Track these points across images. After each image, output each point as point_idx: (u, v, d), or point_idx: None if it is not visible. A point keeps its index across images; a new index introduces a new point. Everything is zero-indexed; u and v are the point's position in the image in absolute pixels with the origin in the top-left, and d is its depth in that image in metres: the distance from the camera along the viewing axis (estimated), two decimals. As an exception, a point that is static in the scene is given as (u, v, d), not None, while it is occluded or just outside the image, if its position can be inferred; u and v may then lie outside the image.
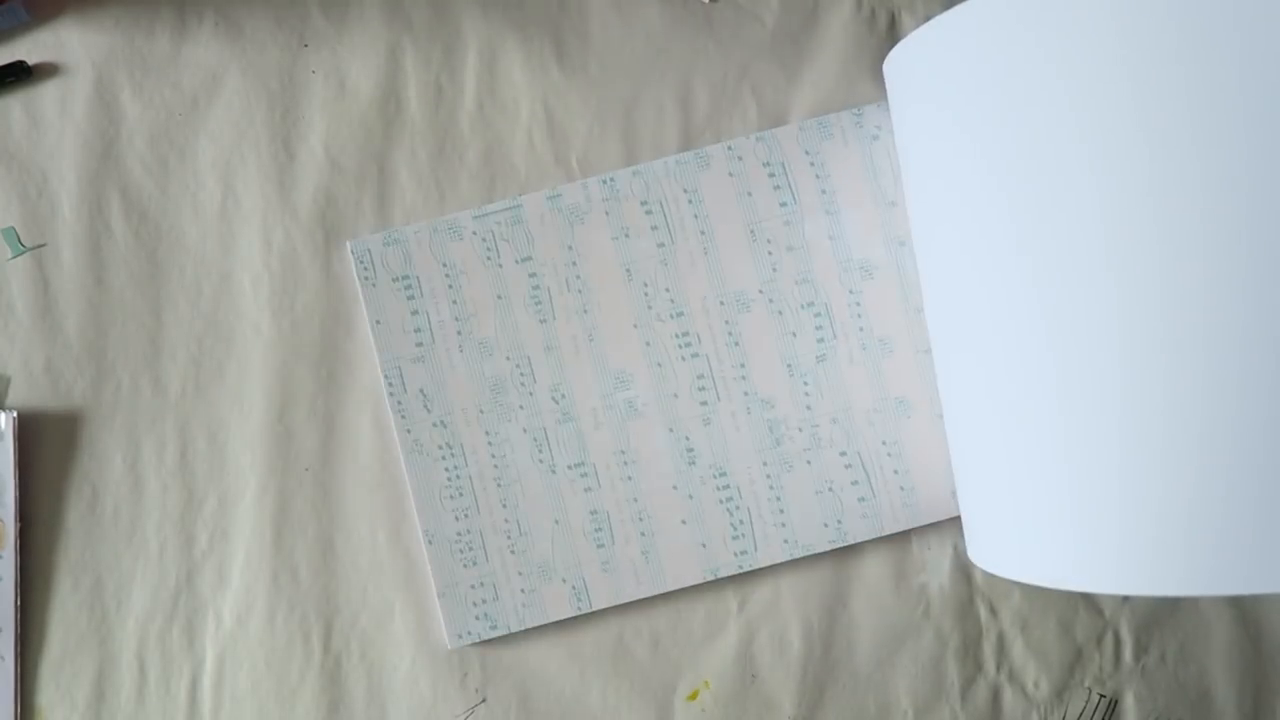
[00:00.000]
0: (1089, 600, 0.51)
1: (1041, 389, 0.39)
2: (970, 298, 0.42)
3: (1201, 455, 0.35)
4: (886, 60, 0.46)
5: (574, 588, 0.50)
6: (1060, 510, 0.39)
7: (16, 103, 0.51)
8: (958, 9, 0.40)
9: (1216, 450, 0.35)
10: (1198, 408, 0.35)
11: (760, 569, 0.50)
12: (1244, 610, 0.51)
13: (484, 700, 0.50)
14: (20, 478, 0.49)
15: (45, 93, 0.51)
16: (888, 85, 0.47)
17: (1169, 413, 0.36)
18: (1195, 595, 0.37)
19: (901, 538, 0.50)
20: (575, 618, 0.50)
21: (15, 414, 0.49)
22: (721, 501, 0.50)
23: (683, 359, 0.50)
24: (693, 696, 0.50)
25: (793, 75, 0.51)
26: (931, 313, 0.46)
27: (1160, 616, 0.51)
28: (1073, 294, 0.38)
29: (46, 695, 0.49)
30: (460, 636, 0.50)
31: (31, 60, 0.51)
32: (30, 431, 0.50)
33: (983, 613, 0.51)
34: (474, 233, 0.50)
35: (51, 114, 0.51)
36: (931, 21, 0.42)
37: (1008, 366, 0.40)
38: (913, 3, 0.52)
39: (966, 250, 0.42)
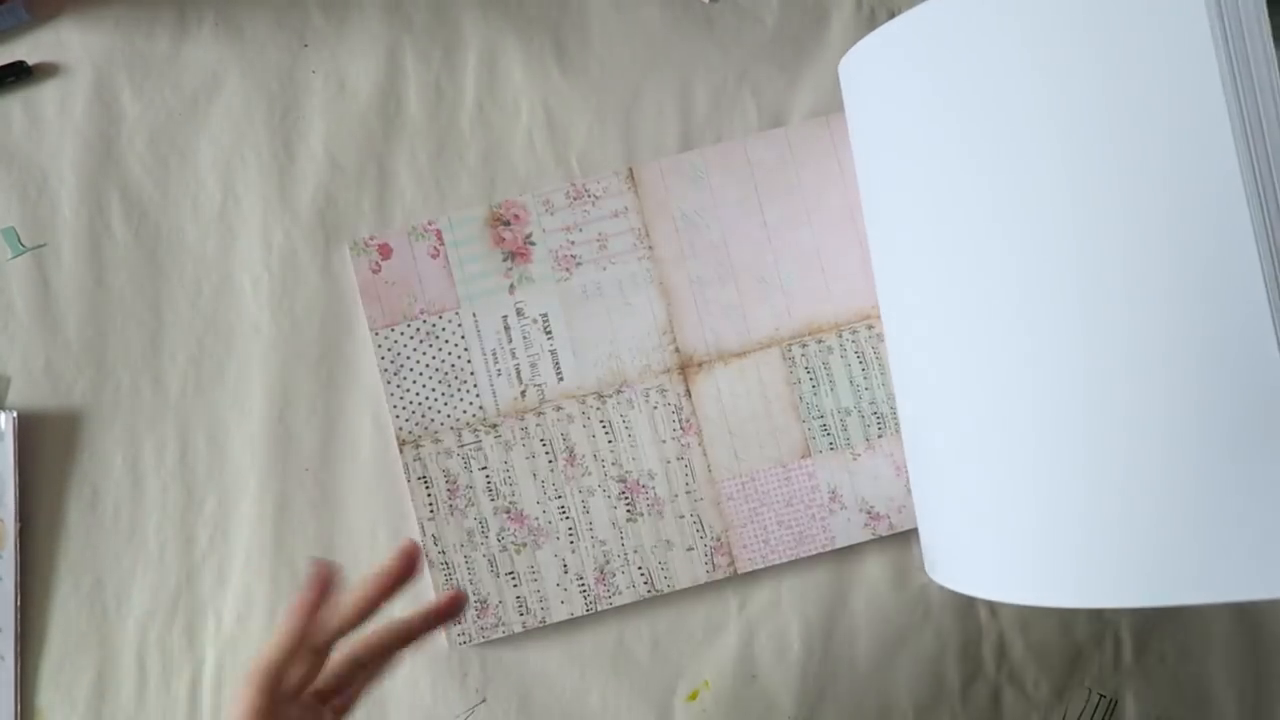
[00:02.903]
0: (1089, 600, 0.51)
1: (999, 403, 0.39)
2: (924, 304, 0.42)
3: (1158, 472, 0.35)
4: (841, 63, 0.46)
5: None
6: (1017, 526, 0.39)
7: (16, 103, 0.51)
8: (908, 14, 0.41)
9: (1174, 467, 0.35)
10: (1162, 420, 0.35)
11: (760, 569, 0.50)
12: (1244, 610, 0.51)
13: (484, 700, 0.50)
14: (20, 478, 0.49)
15: (45, 93, 0.51)
16: (843, 87, 0.47)
17: (1133, 426, 0.36)
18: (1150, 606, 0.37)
19: (901, 538, 0.50)
20: (575, 619, 0.50)
21: (15, 414, 0.49)
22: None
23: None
24: (693, 697, 0.50)
25: (793, 75, 0.51)
26: (887, 320, 0.46)
27: (1160, 616, 0.51)
28: (1033, 299, 0.37)
29: (46, 695, 0.49)
30: (460, 637, 0.50)
31: (31, 60, 0.51)
32: (30, 431, 0.50)
33: (982, 613, 0.51)
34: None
35: (51, 114, 0.51)
36: (883, 26, 0.42)
37: (963, 375, 0.40)
38: (913, 3, 0.52)
39: (920, 258, 0.42)
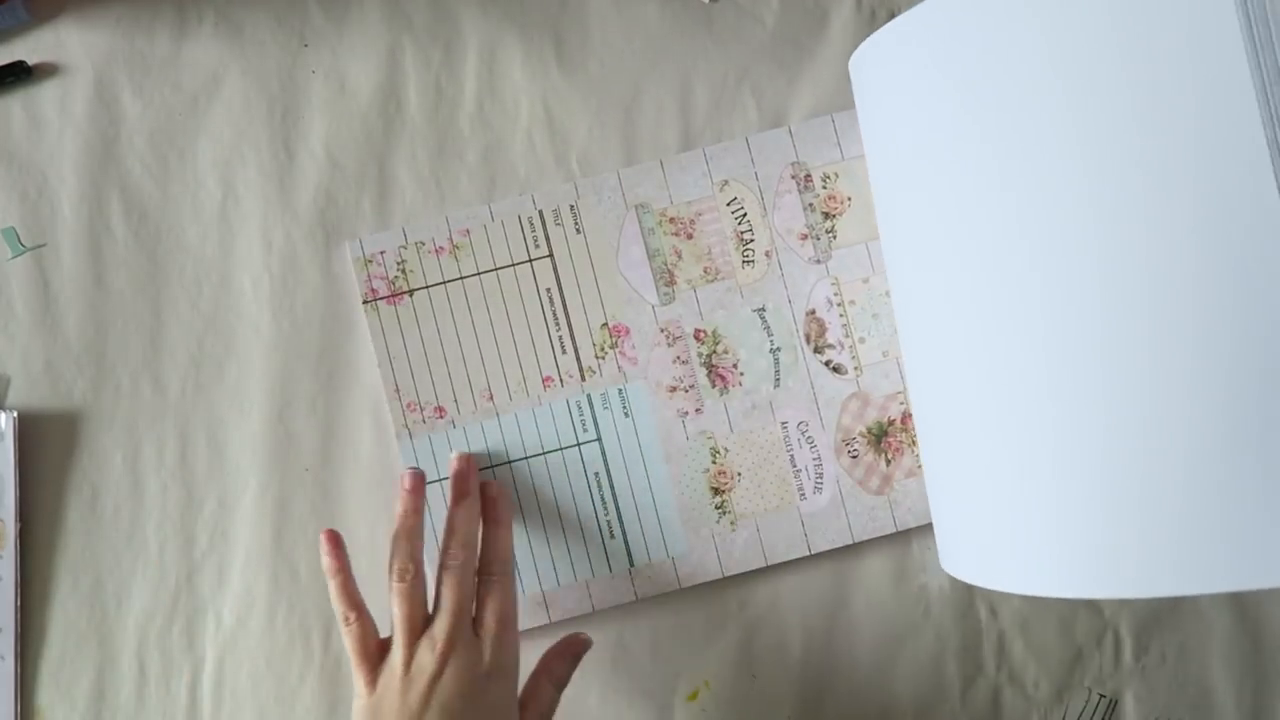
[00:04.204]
0: (1089, 600, 0.51)
1: (1013, 394, 0.39)
2: (938, 300, 0.42)
3: (1175, 459, 0.35)
4: (852, 59, 0.46)
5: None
6: (1033, 518, 0.39)
7: (16, 103, 0.51)
8: (919, 7, 0.40)
9: (1188, 455, 0.35)
10: (1177, 409, 0.35)
11: (760, 569, 0.50)
12: (1244, 610, 0.51)
13: (484, 700, 0.50)
14: (20, 478, 0.49)
15: (45, 93, 0.51)
16: (853, 84, 0.47)
17: (1149, 416, 0.35)
18: (1178, 596, 0.37)
19: (901, 538, 0.50)
20: (575, 618, 0.50)
21: (15, 414, 0.49)
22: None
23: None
24: (693, 696, 0.50)
25: (793, 75, 0.51)
26: (899, 312, 0.45)
27: (1160, 616, 0.51)
28: (1046, 292, 0.37)
29: (46, 695, 0.49)
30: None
31: (31, 60, 0.51)
32: (30, 431, 0.50)
33: (983, 613, 0.51)
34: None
35: (51, 114, 0.51)
36: (894, 21, 0.42)
37: (977, 369, 0.40)
38: (913, 3, 0.52)
39: (934, 252, 0.41)
